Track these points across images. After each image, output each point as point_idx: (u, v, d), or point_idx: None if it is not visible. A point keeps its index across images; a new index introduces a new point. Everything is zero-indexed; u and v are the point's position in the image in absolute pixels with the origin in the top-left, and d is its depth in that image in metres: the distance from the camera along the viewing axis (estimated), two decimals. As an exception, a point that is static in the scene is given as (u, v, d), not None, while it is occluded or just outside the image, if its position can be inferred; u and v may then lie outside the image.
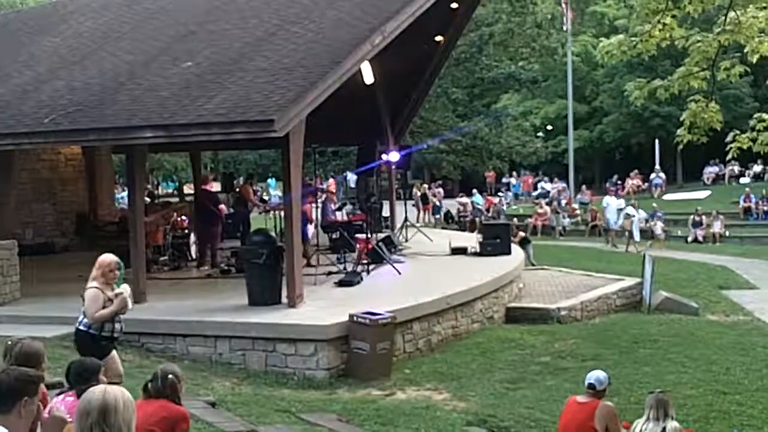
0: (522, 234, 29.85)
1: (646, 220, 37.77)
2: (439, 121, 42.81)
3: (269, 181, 55.53)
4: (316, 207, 21.37)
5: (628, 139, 55.84)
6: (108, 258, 9.75)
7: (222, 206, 21.14)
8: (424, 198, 43.40)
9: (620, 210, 36.14)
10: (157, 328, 14.69)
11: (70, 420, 5.74)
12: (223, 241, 21.78)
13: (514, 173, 54.23)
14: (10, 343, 6.55)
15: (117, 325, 9.61)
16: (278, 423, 10.72)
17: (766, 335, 18.39)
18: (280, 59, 16.43)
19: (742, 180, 46.32)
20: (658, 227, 37.36)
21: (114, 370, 9.43)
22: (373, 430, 11.08)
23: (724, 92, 41.50)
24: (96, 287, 9.52)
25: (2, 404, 4.47)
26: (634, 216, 35.60)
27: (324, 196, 23.06)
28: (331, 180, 26.90)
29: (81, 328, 9.61)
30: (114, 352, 9.77)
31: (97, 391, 4.28)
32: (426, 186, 46.27)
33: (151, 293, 16.21)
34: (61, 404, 5.96)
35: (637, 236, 35.10)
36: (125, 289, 9.59)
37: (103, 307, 9.44)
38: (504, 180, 54.44)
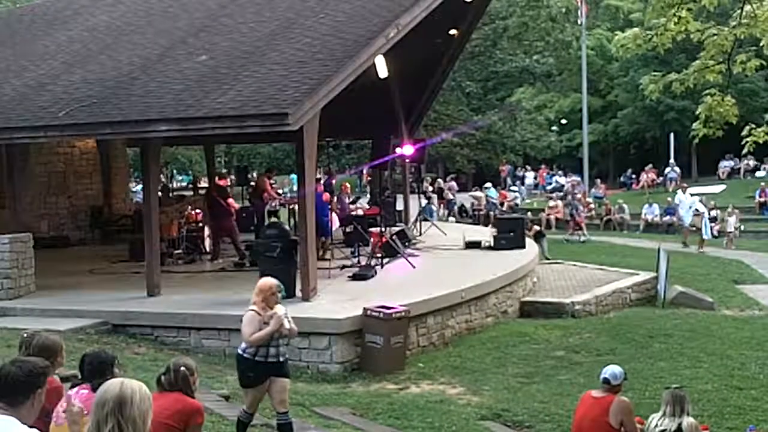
0: (537, 228, 29.76)
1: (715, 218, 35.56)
2: (453, 115, 42.78)
3: (292, 176, 55.08)
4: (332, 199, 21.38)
5: (642, 133, 55.65)
6: (269, 282, 9.40)
7: (230, 200, 21.10)
8: (440, 192, 43.26)
9: (690, 207, 33.46)
10: (171, 321, 14.75)
11: (86, 413, 5.76)
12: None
13: (528, 167, 54.04)
14: (27, 335, 6.56)
15: (272, 350, 9.16)
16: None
17: (781, 330, 18.31)
18: (294, 53, 16.43)
19: (758, 174, 46.04)
20: (731, 224, 34.63)
21: (275, 398, 9.27)
22: (387, 424, 11.08)
23: (740, 86, 41.32)
24: (253, 310, 9.17)
25: (16, 398, 4.50)
26: (704, 212, 33.09)
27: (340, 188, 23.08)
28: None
29: (239, 351, 9.32)
30: (281, 380, 9.30)
31: (115, 383, 4.29)
32: (440, 180, 46.17)
33: (165, 286, 16.27)
34: (75, 397, 5.97)
35: (707, 234, 32.56)
36: (281, 308, 9.25)
37: (260, 330, 9.08)
38: (518, 173, 54.28)
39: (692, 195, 35.44)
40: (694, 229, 33.00)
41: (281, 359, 9.28)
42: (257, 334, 9.01)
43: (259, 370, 9.16)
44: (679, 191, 36.02)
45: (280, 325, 9.10)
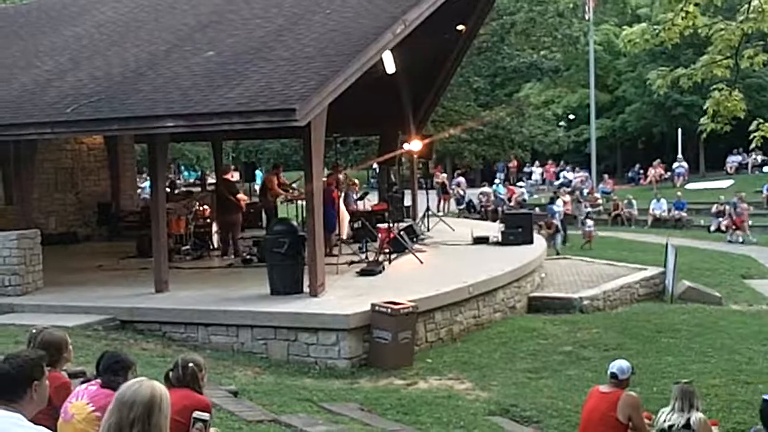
0: (555, 223, 29.61)
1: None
2: (461, 110, 42.72)
3: None
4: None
5: (650, 128, 55.47)
6: None
7: (240, 195, 21.15)
8: (443, 187, 43.33)
9: None
10: (178, 317, 14.76)
11: (93, 408, 5.77)
12: (244, 231, 21.79)
13: (537, 162, 53.98)
14: (34, 331, 6.59)
15: None
16: (300, 412, 10.72)
17: (789, 325, 18.27)
18: (301, 48, 16.42)
19: (766, 169, 45.97)
20: None
21: None
22: (396, 420, 11.07)
23: (747, 81, 41.15)
24: None
25: (16, 394, 4.51)
26: None
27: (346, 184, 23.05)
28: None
29: None
30: None
31: (145, 388, 4.28)
32: (444, 175, 46.19)
33: (173, 282, 16.28)
34: (84, 393, 5.97)
35: None
36: None
37: None
38: (525, 169, 54.27)
39: None
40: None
41: None
42: None
43: None
44: None
45: None
